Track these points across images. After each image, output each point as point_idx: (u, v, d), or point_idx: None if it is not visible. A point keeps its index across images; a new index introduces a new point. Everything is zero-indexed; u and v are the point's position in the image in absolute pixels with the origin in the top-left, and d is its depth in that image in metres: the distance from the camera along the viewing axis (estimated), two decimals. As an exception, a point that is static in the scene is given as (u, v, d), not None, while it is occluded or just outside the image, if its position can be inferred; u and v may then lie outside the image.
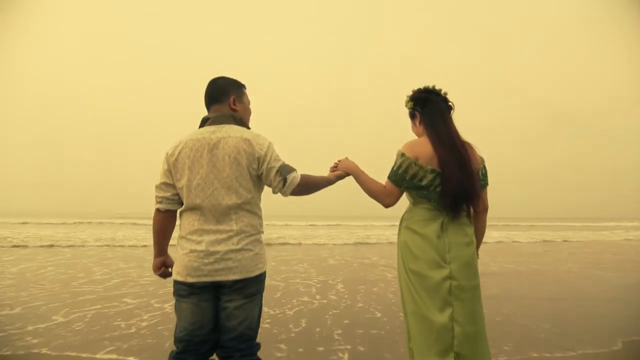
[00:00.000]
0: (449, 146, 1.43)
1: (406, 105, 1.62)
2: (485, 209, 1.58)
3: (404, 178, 1.44)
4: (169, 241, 1.49)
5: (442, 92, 1.57)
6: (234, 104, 1.44)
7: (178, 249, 1.37)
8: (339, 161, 1.70)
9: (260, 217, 1.43)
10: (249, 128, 1.46)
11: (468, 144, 1.52)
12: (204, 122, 1.42)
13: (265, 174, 1.36)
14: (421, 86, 1.61)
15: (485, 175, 1.54)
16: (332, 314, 3.49)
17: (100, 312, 3.46)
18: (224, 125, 1.37)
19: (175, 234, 1.46)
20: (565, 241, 13.53)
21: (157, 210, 1.40)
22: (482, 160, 1.55)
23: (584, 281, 5.53)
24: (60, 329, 2.94)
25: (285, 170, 1.38)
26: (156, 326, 3.08)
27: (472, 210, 1.50)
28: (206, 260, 1.28)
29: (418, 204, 1.49)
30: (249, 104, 1.54)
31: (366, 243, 11.44)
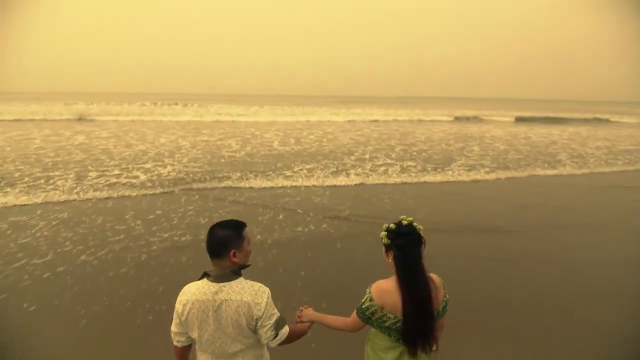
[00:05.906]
0: (415, 301, 1.56)
1: (383, 240, 1.67)
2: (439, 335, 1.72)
3: (370, 318, 1.65)
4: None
5: (418, 228, 1.63)
6: (234, 257, 1.57)
7: None
8: (300, 312, 1.93)
9: (263, 345, 1.68)
10: (248, 265, 1.66)
11: (433, 282, 1.61)
12: (206, 275, 1.59)
13: (259, 327, 1.57)
14: (401, 220, 1.65)
15: (444, 308, 1.66)
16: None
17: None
18: (225, 284, 1.55)
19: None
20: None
21: (175, 346, 1.66)
22: (445, 295, 1.66)
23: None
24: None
25: (278, 326, 1.60)
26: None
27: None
28: None
29: (381, 335, 1.69)
30: (249, 243, 1.67)
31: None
